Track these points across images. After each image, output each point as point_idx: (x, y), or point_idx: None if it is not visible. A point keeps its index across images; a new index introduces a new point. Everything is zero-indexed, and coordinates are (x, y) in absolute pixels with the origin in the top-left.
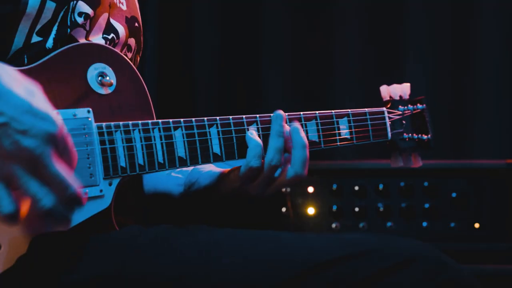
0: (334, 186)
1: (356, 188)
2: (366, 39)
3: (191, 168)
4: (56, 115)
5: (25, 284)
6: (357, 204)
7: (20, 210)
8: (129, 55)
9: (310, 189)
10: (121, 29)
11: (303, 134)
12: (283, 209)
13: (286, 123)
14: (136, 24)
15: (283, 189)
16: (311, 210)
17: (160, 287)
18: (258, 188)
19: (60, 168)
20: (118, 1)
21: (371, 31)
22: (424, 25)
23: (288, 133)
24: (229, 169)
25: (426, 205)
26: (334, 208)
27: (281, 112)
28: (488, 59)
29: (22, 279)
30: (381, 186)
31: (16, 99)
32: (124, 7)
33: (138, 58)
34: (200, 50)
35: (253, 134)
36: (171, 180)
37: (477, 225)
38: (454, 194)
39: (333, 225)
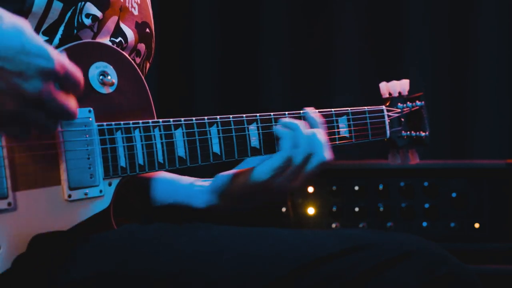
0: (334, 186)
1: (356, 188)
2: (365, 37)
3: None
4: (50, 48)
5: (25, 283)
6: (357, 204)
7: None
8: (137, 60)
9: (310, 189)
10: (130, 33)
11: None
12: (283, 209)
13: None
14: (147, 30)
15: None
16: (311, 210)
17: (159, 284)
18: (286, 180)
19: (64, 99)
20: (130, 5)
21: (370, 28)
22: (424, 25)
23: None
24: (253, 167)
25: (426, 205)
26: (334, 208)
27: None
28: (488, 59)
29: (22, 279)
30: (381, 186)
31: (6, 39)
32: (136, 12)
33: (148, 65)
34: (200, 48)
35: (283, 122)
36: (194, 191)
37: (477, 225)
38: (454, 194)
39: (333, 225)
